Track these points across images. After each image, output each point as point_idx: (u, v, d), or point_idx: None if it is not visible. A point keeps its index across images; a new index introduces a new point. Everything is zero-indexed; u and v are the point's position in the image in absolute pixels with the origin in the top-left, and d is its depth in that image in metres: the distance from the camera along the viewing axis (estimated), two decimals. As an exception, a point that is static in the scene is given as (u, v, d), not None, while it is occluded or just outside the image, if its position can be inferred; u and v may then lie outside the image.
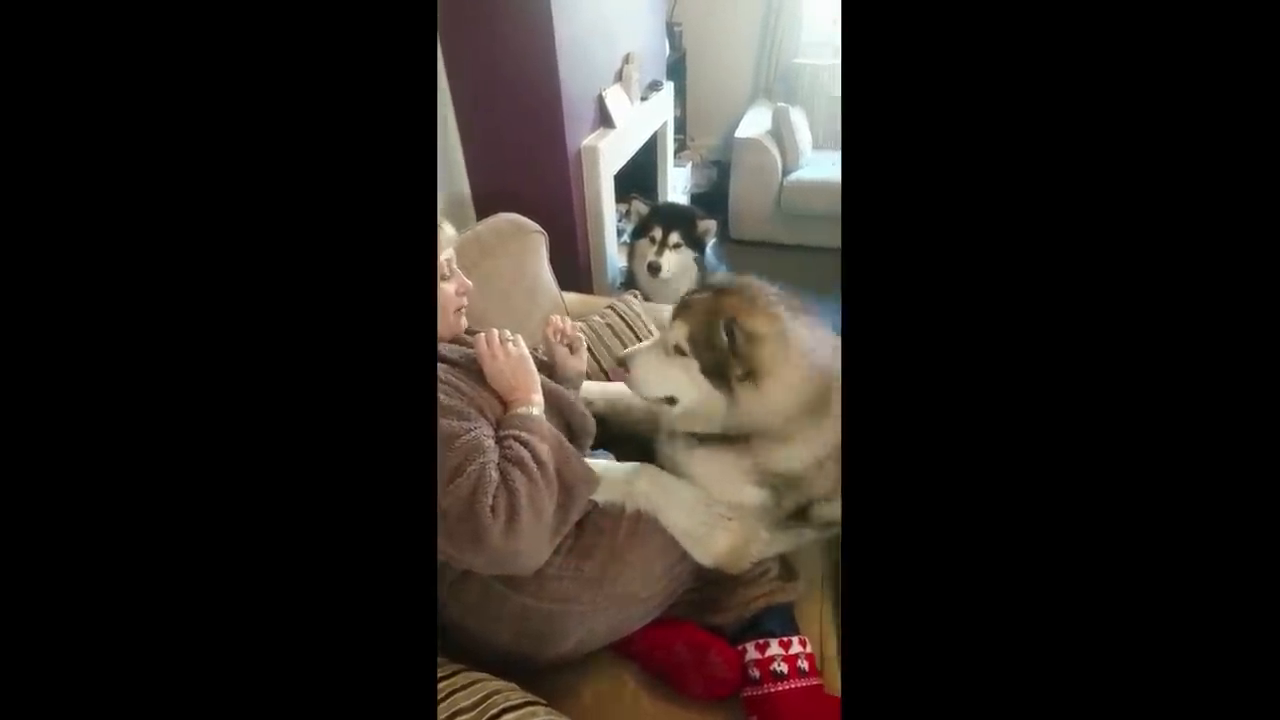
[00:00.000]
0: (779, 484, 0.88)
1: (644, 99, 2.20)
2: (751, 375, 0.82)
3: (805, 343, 0.85)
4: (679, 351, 0.88)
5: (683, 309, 0.90)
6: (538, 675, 0.85)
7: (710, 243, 1.88)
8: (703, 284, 0.94)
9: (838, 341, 0.90)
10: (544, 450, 0.81)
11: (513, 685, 0.77)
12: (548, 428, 0.86)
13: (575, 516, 0.84)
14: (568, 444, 0.87)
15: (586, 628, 0.87)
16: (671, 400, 0.91)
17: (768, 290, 0.90)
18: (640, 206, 1.89)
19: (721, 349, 0.82)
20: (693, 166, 3.20)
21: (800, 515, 0.92)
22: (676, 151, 3.00)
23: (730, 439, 0.87)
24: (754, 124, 2.91)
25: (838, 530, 1.00)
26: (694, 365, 0.86)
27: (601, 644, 0.90)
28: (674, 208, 1.97)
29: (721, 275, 0.94)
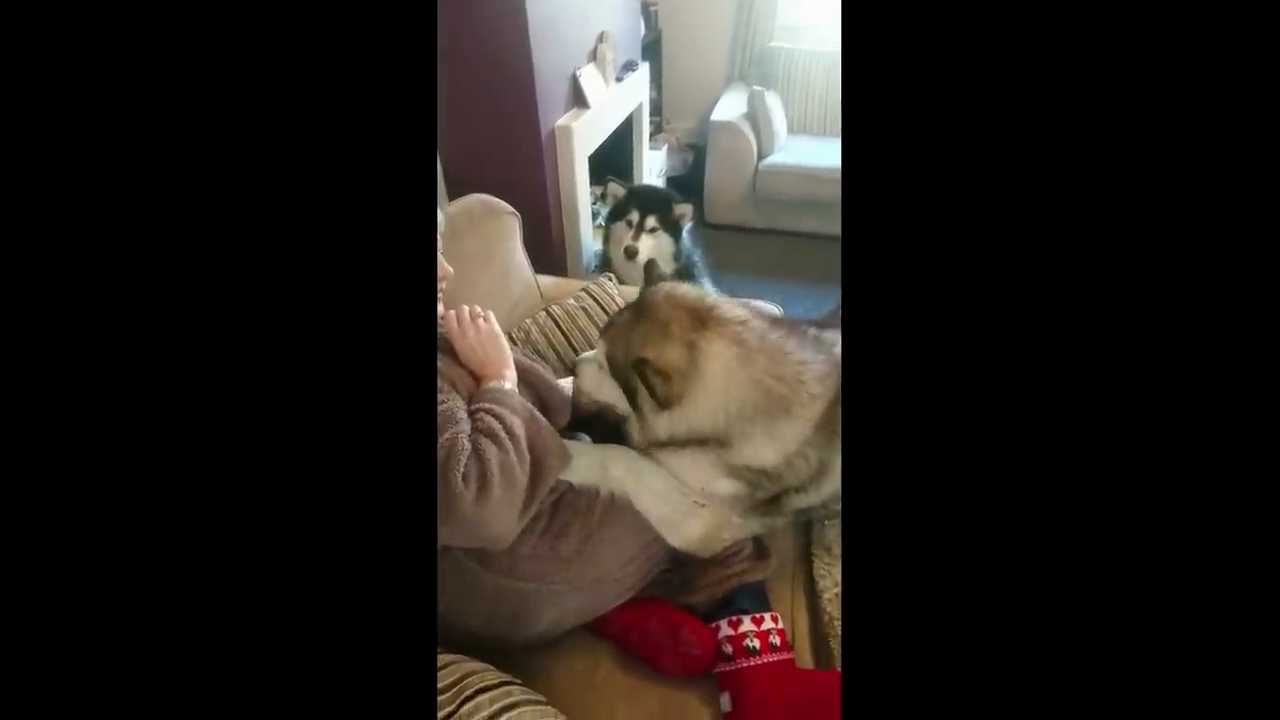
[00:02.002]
0: (750, 476, 0.89)
1: (619, 79, 2.17)
2: (665, 405, 0.84)
3: (723, 363, 0.83)
4: (604, 369, 0.90)
5: (607, 329, 0.92)
6: (511, 656, 0.85)
7: (686, 227, 1.87)
8: (636, 299, 0.92)
9: (793, 339, 0.88)
10: (515, 423, 0.81)
11: (488, 666, 0.77)
12: (520, 401, 0.86)
13: (545, 491, 0.83)
14: (540, 417, 0.87)
15: (560, 608, 0.87)
16: (614, 408, 0.93)
17: (689, 308, 0.87)
18: (617, 189, 1.87)
19: (632, 383, 0.84)
20: (668, 149, 3.18)
21: (773, 503, 0.93)
22: (652, 134, 2.98)
23: (686, 441, 0.88)
24: (730, 107, 2.90)
25: (810, 515, 1.02)
26: (615, 383, 0.89)
27: (575, 624, 0.91)
28: (651, 190, 1.95)
29: (650, 290, 0.91)
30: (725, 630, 0.89)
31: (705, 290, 0.92)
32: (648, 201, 1.83)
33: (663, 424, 0.86)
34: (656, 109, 3.35)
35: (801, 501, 0.93)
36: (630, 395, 0.87)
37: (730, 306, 0.89)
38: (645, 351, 0.83)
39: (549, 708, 0.75)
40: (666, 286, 0.92)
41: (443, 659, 0.75)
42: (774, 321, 0.90)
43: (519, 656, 0.87)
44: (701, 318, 0.86)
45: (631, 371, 0.83)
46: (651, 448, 0.92)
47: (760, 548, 0.98)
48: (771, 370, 0.84)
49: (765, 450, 0.86)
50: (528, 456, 0.80)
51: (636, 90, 2.37)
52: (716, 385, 0.84)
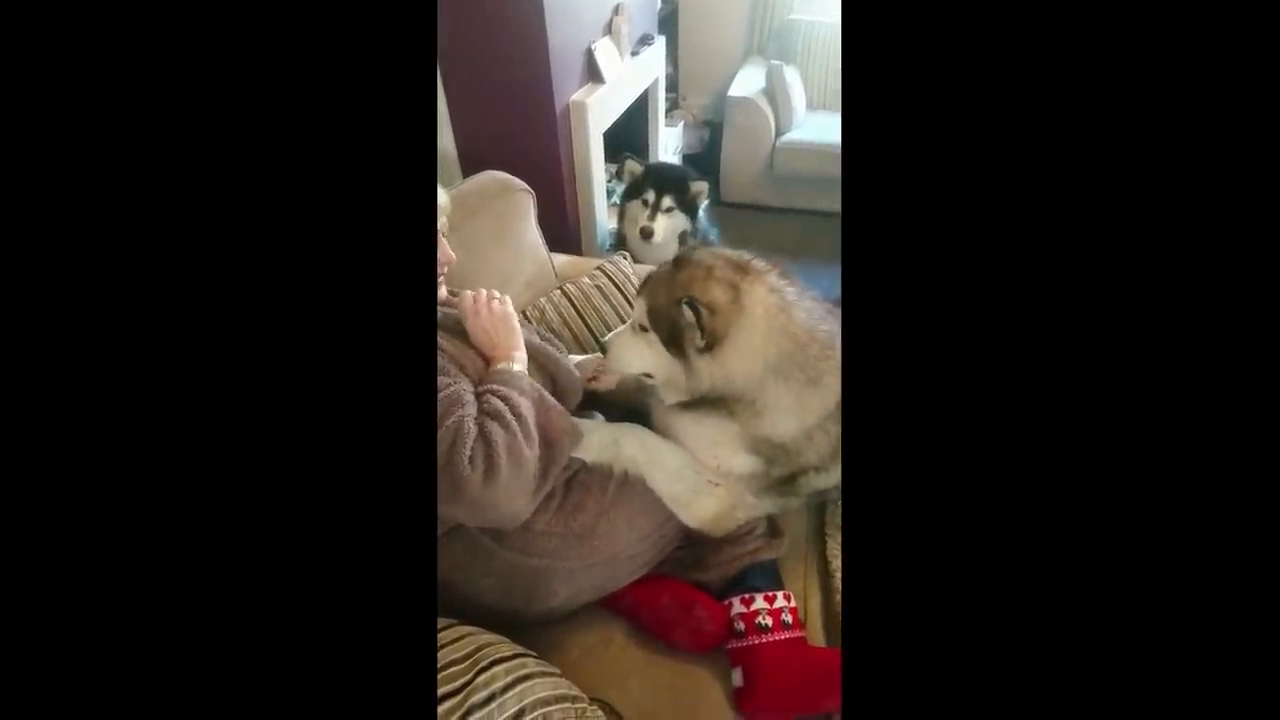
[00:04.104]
0: (769, 452, 0.89)
1: (635, 54, 2.12)
2: (709, 345, 0.83)
3: (764, 308, 0.84)
4: (643, 329, 0.89)
5: (644, 285, 0.92)
6: (526, 630, 0.86)
7: (702, 205, 1.85)
8: (674, 256, 0.94)
9: (822, 309, 0.89)
10: (523, 404, 0.81)
11: (503, 638, 0.78)
12: (528, 383, 0.86)
13: (557, 470, 0.83)
14: (549, 398, 0.87)
15: (574, 584, 0.88)
16: (649, 376, 0.93)
17: (727, 258, 0.89)
18: (634, 166, 1.84)
19: (678, 324, 0.83)
20: (684, 126, 3.12)
21: (789, 483, 0.93)
22: (668, 110, 2.92)
23: (715, 406, 0.88)
24: (747, 82, 2.83)
25: (825, 498, 1.02)
26: (656, 339, 0.87)
27: (589, 600, 0.91)
28: (667, 169, 1.92)
29: (685, 249, 0.95)
30: (738, 608, 0.89)
31: (739, 251, 0.93)
32: (664, 180, 1.81)
33: (705, 370, 0.85)
34: (672, 85, 3.28)
35: (819, 482, 0.93)
36: (673, 340, 0.86)
37: (766, 263, 0.90)
38: (691, 290, 0.84)
39: (562, 679, 0.76)
40: (701, 247, 0.94)
41: (457, 631, 0.77)
42: (805, 289, 0.91)
43: (534, 630, 0.88)
44: (742, 267, 0.87)
45: (676, 310, 0.83)
46: (682, 411, 0.91)
47: (773, 527, 0.98)
48: (806, 326, 0.85)
49: (789, 419, 0.86)
50: (536, 437, 0.80)
51: (652, 65, 2.33)
52: (757, 328, 0.84)
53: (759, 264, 0.89)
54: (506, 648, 0.76)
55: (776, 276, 0.88)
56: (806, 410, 0.86)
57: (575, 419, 0.90)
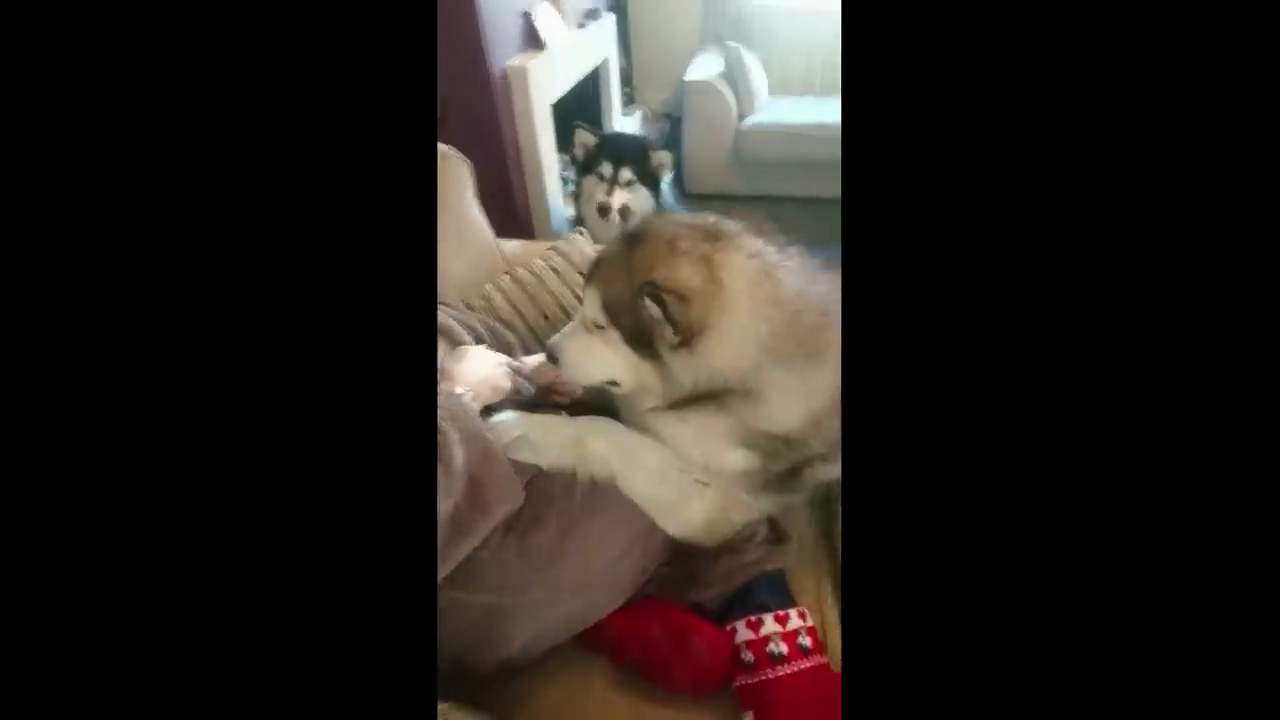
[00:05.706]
0: (768, 445, 0.79)
1: (581, 25, 2.09)
2: (686, 340, 0.71)
3: (746, 279, 0.73)
4: (598, 326, 0.77)
5: (594, 271, 0.79)
6: (483, 685, 0.74)
7: (666, 178, 1.76)
8: (619, 235, 0.82)
9: (811, 266, 0.79)
10: (455, 444, 0.68)
11: (450, 704, 0.66)
12: (476, 423, 0.73)
13: (481, 534, 0.70)
14: (496, 450, 0.74)
15: (538, 623, 0.75)
16: (614, 383, 0.80)
17: (691, 225, 0.77)
18: (586, 136, 1.74)
19: (642, 319, 0.72)
20: (643, 119, 3.11)
21: (790, 477, 0.84)
22: (625, 104, 2.93)
23: (701, 401, 0.77)
24: (705, 68, 2.81)
25: (832, 491, 0.93)
26: (617, 338, 0.76)
27: (560, 640, 0.79)
28: (624, 138, 1.84)
29: (635, 222, 0.83)
30: (744, 633, 0.77)
31: (701, 214, 0.81)
32: (621, 151, 1.71)
33: (686, 367, 0.73)
34: (627, 79, 3.30)
35: (825, 473, 0.84)
36: (642, 337, 0.74)
37: (737, 223, 0.79)
38: (653, 274, 0.71)
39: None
40: (656, 216, 0.83)
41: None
42: (788, 246, 0.81)
43: (489, 686, 0.76)
44: (711, 233, 0.76)
45: (640, 302, 0.70)
46: (666, 412, 0.80)
47: (776, 530, 0.88)
48: (797, 290, 0.75)
49: (794, 405, 0.76)
50: (460, 487, 0.67)
51: (602, 42, 2.30)
52: (742, 305, 0.72)
53: (729, 225, 0.78)
54: (455, 715, 0.65)
55: (752, 236, 0.77)
56: (812, 392, 0.76)
57: (540, 417, 0.80)
